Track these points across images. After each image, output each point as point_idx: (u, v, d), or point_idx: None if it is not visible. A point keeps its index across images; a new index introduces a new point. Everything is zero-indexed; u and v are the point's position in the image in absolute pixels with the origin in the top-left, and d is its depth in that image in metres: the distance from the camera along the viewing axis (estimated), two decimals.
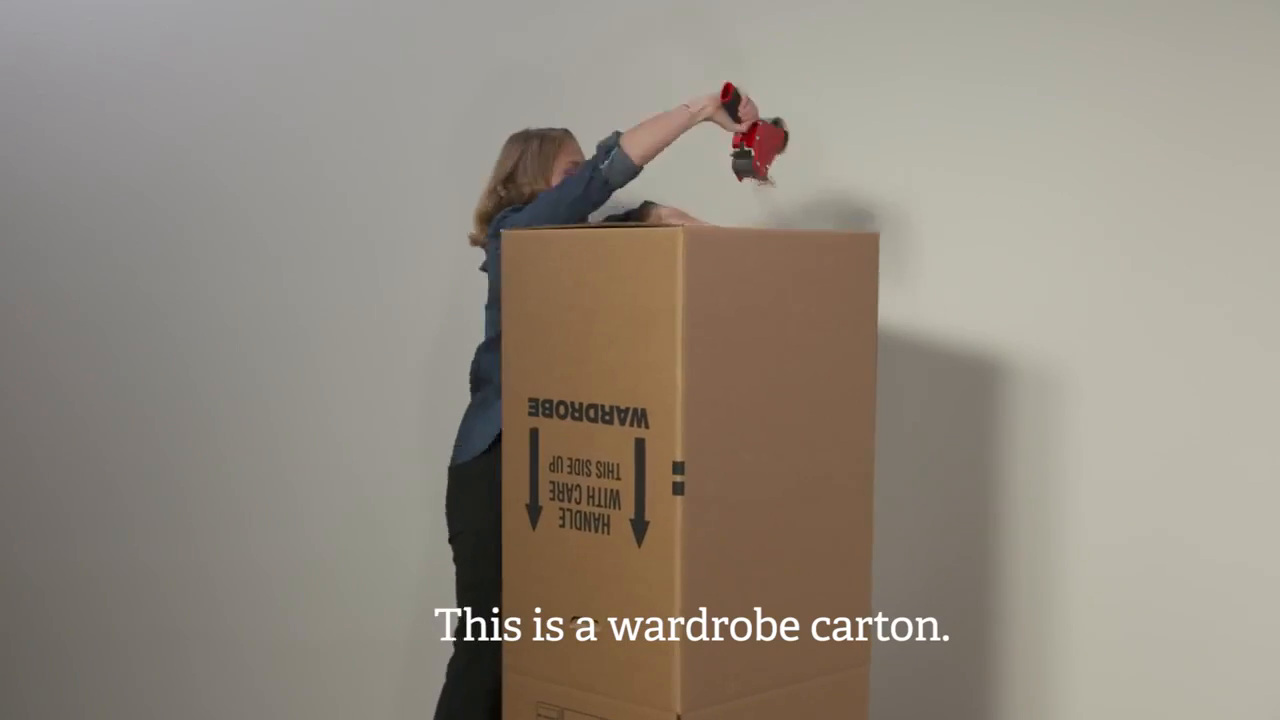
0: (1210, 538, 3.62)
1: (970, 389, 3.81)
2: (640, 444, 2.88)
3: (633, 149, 3.20)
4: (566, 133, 3.53)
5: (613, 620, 2.95)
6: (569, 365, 3.00)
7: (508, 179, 3.44)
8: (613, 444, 2.93)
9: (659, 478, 2.85)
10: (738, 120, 3.32)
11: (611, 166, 3.18)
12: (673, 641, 2.84)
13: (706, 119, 3.29)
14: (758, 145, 3.33)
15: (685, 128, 3.26)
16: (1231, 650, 3.61)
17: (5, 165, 4.07)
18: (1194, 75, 3.57)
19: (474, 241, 3.48)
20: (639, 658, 2.90)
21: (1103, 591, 3.72)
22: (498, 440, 3.30)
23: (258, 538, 4.07)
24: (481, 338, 3.48)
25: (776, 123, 3.41)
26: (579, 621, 3.01)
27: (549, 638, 3.07)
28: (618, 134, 3.22)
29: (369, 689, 3.96)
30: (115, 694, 4.12)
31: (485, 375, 3.45)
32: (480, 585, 3.37)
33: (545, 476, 3.06)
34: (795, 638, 3.06)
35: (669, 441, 2.84)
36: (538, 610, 3.09)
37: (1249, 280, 3.56)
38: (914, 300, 3.74)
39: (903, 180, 3.81)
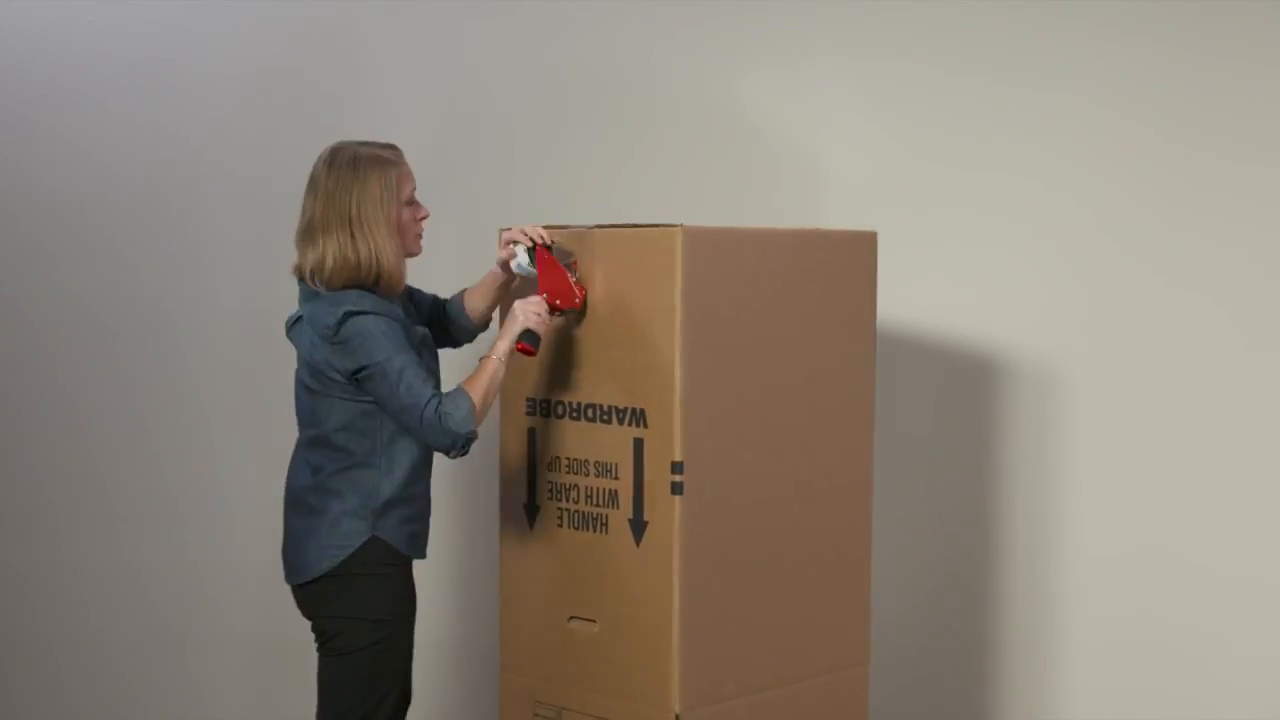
0: (1208, 537, 3.61)
1: (970, 388, 3.81)
2: (639, 444, 2.88)
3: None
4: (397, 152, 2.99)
5: (611, 620, 2.95)
6: (567, 365, 3.00)
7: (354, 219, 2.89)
8: (611, 444, 2.92)
9: (658, 478, 2.85)
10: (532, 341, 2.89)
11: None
12: (671, 641, 2.84)
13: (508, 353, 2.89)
14: (556, 294, 2.93)
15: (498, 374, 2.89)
16: (1227, 650, 3.61)
17: (9, 164, 4.06)
18: (1194, 74, 3.57)
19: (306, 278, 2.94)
20: (637, 657, 2.90)
21: (1101, 591, 3.71)
22: (358, 549, 2.92)
23: (252, 538, 4.07)
24: None
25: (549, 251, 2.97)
26: (577, 621, 3.01)
27: (546, 637, 3.06)
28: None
29: None
30: (106, 694, 4.11)
31: (325, 485, 2.96)
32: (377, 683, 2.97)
33: (543, 476, 3.06)
34: (794, 637, 3.06)
35: (668, 441, 2.83)
36: (535, 610, 3.09)
37: (1250, 280, 3.55)
38: (913, 300, 3.74)
39: (901, 179, 3.81)
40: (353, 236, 2.87)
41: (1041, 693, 3.78)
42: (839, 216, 3.74)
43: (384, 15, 4.01)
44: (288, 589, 3.12)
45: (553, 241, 2.97)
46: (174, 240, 4.04)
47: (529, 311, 2.89)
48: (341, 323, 2.84)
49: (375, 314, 2.84)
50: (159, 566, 4.08)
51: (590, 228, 2.96)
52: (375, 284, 2.90)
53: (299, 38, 4.02)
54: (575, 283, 2.94)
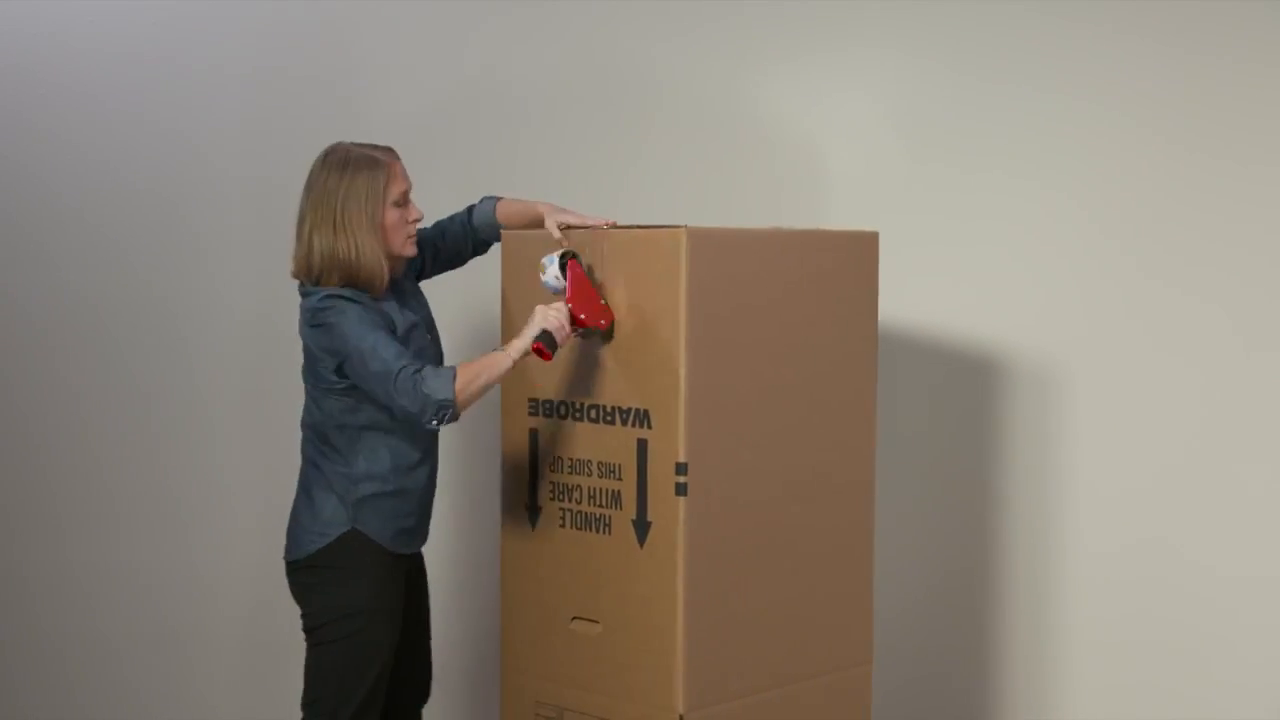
0: (1208, 536, 3.62)
1: (970, 388, 3.81)
2: (642, 444, 2.88)
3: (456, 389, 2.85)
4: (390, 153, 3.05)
5: (614, 620, 2.95)
6: (571, 365, 3.00)
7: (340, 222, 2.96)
8: (614, 444, 2.93)
9: (661, 478, 2.85)
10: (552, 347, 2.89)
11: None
12: (675, 641, 2.84)
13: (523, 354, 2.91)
14: (583, 310, 2.91)
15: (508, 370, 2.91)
16: (1228, 649, 3.61)
17: (12, 164, 4.05)
18: (1194, 75, 3.57)
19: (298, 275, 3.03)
20: (640, 658, 2.90)
21: (1101, 590, 3.72)
22: (337, 540, 3.00)
23: (254, 539, 4.07)
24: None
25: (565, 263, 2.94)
26: (579, 621, 3.01)
27: (549, 638, 3.06)
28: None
29: None
30: (108, 694, 4.11)
31: (319, 473, 3.06)
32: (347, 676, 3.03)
33: (545, 477, 3.06)
34: (797, 637, 3.06)
35: (672, 442, 2.84)
36: (537, 610, 3.09)
37: (1249, 281, 3.56)
38: (914, 300, 3.74)
39: (902, 179, 3.81)
40: (335, 234, 2.94)
41: (1042, 692, 3.79)
42: (841, 217, 3.75)
43: (389, 15, 4.01)
44: (289, 590, 3.13)
45: (589, 265, 2.95)
46: (178, 241, 4.04)
47: (550, 315, 2.89)
48: (321, 304, 2.93)
49: (354, 301, 2.92)
50: (162, 566, 4.07)
51: (594, 229, 2.96)
52: (358, 281, 2.96)
53: (305, 37, 4.02)
54: (604, 305, 2.92)
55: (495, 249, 3.28)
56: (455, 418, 2.88)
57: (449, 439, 3.63)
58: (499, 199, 3.23)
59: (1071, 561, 3.74)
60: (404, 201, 3.03)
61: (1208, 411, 3.61)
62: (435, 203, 3.91)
